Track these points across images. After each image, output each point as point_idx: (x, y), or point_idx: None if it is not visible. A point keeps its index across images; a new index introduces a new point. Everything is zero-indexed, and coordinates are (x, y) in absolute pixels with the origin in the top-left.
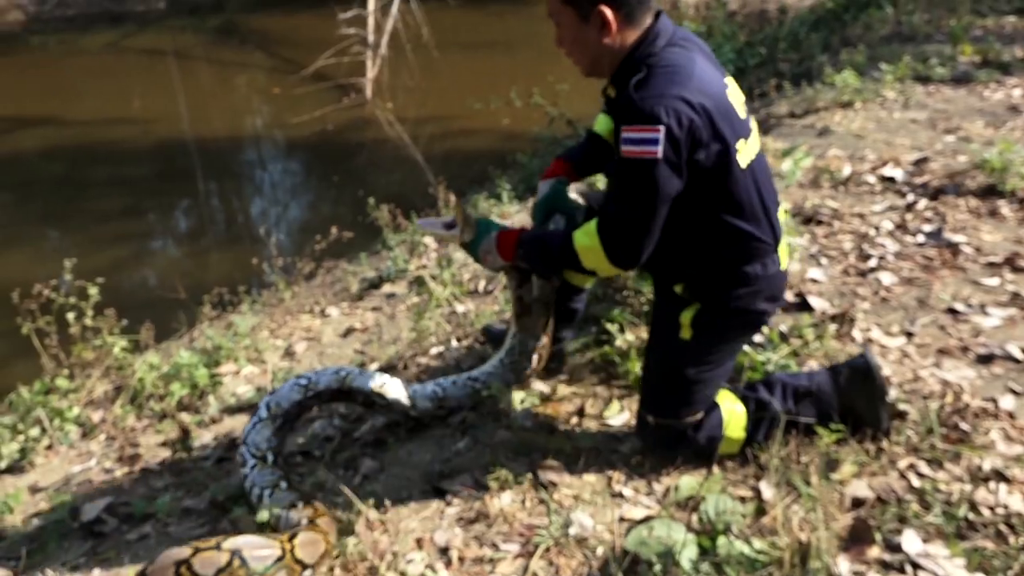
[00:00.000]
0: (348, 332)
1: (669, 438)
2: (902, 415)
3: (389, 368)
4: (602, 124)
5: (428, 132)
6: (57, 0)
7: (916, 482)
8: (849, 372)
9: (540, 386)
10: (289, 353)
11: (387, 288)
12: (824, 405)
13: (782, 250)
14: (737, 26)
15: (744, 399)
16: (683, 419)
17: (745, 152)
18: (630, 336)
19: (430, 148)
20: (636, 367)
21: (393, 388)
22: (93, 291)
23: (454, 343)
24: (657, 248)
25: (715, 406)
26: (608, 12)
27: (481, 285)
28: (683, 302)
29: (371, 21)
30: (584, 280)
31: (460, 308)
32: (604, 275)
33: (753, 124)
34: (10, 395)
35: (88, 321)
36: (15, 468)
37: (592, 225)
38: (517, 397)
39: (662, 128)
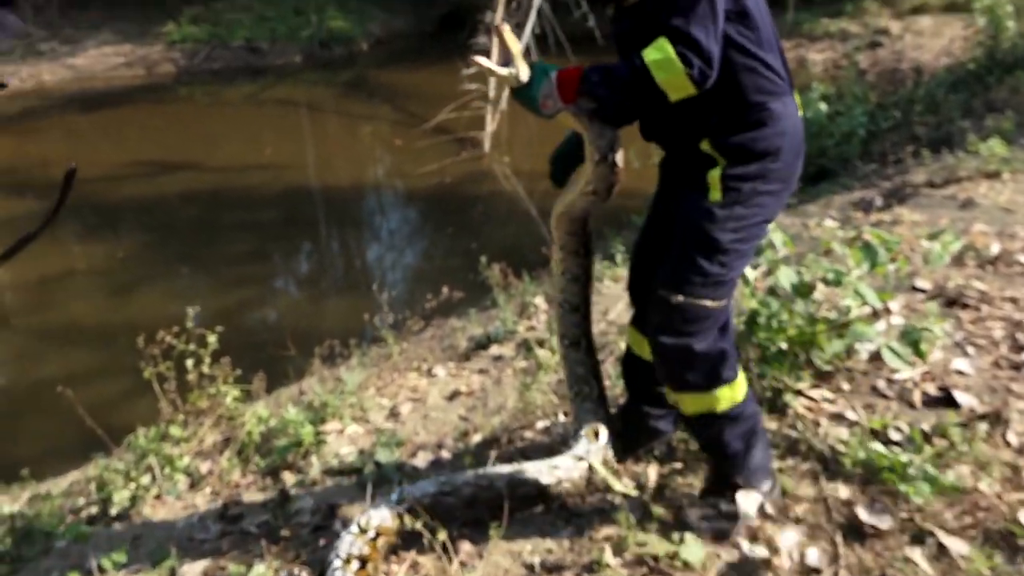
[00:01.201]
0: (454, 395)
1: (683, 350)
2: None
3: (492, 441)
4: None
5: (543, 187)
6: (205, 55)
7: None
8: None
9: (653, 471)
10: (394, 414)
11: (495, 349)
12: None
13: (796, 96)
14: (868, 87)
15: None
16: (711, 301)
17: None
18: None
19: (544, 203)
20: None
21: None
22: (212, 339)
23: (561, 417)
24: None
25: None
26: None
27: None
28: (709, 161)
29: (493, 77)
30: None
31: None
32: (676, 94)
33: None
34: (130, 436)
35: (205, 368)
36: (124, 516)
37: (659, 40)
38: (627, 484)
39: None
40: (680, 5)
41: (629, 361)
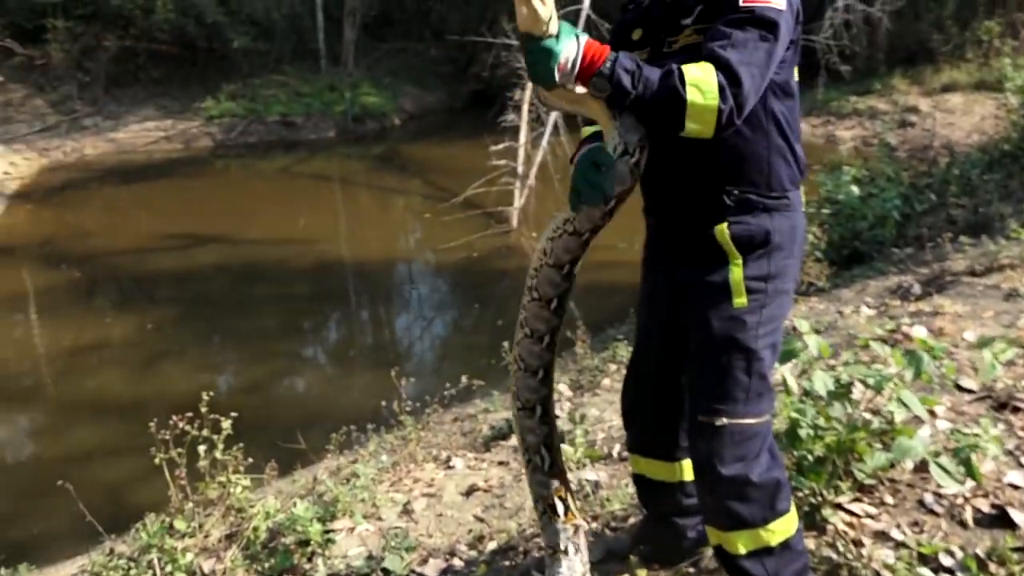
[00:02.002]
0: (471, 491)
1: (740, 481)
2: None
3: (508, 550)
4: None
5: None
6: (241, 129)
7: None
8: None
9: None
10: (407, 511)
11: (515, 440)
12: None
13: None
14: (900, 165)
15: None
16: (756, 418)
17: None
18: None
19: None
20: None
21: None
22: (226, 424)
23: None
24: (710, 160)
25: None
26: None
27: (616, 449)
28: (722, 257)
29: (522, 153)
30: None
31: (591, 475)
32: (694, 125)
33: None
34: (138, 524)
35: (218, 454)
36: None
37: (704, 63)
38: None
39: None
40: (736, 39)
41: (643, 487)
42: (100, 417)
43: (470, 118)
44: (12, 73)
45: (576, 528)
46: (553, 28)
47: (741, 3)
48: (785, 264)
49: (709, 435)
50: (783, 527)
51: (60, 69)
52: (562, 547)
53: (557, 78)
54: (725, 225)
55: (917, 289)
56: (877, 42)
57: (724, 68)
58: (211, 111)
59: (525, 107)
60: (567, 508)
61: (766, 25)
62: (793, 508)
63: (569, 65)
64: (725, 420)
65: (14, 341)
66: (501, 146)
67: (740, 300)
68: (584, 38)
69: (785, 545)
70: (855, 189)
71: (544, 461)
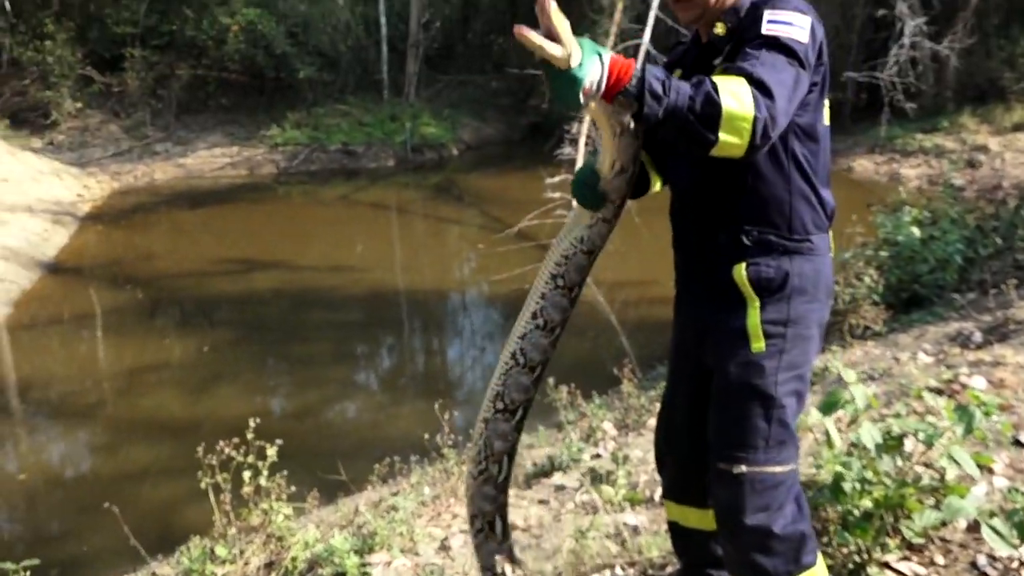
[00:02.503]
0: None
1: (762, 532)
2: None
3: None
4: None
5: (623, 296)
6: (304, 156)
7: None
8: None
9: None
10: (444, 547)
11: (557, 478)
12: None
13: (831, 237)
14: (965, 207)
15: None
16: (779, 466)
17: (826, 110)
18: None
19: (624, 312)
20: None
21: None
22: (272, 451)
23: (619, 571)
24: (730, 199)
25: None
26: None
27: (658, 493)
28: (740, 299)
29: None
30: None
31: (631, 519)
32: (728, 137)
33: None
34: (181, 547)
35: (263, 480)
36: None
37: (735, 76)
38: None
39: (809, 21)
40: (764, 59)
41: (677, 534)
42: (153, 437)
43: (527, 150)
44: (90, 100)
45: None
46: (575, 60)
47: (765, 31)
48: (807, 309)
49: (729, 483)
50: None
51: (135, 96)
52: (498, 570)
53: (583, 101)
54: (743, 266)
55: (978, 337)
56: (945, 79)
57: (756, 83)
58: (276, 139)
59: (582, 140)
60: (505, 529)
61: (790, 52)
62: (821, 561)
63: (595, 87)
64: (744, 468)
65: (78, 358)
66: (557, 179)
67: (758, 345)
68: (608, 56)
69: None
70: (915, 231)
71: (500, 473)
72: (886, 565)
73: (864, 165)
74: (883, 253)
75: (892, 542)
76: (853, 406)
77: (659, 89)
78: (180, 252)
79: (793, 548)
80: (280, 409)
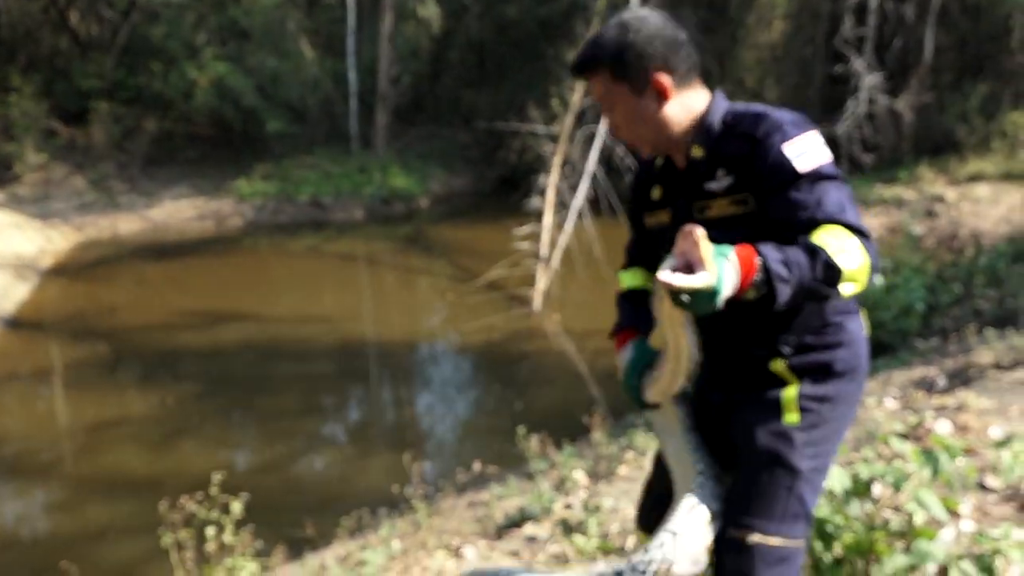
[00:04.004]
0: None
1: None
2: None
3: None
4: (628, 279)
5: (593, 346)
6: (272, 209)
7: None
8: None
9: None
10: None
11: (529, 528)
12: None
13: (864, 315)
14: (925, 255)
15: None
16: (792, 540)
17: None
18: None
19: (594, 362)
20: None
21: None
22: (236, 506)
23: None
24: (763, 323)
25: None
26: (663, 78)
27: (630, 542)
28: (779, 382)
29: (545, 236)
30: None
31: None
32: (855, 281)
33: None
34: None
35: (227, 537)
36: None
37: (830, 226)
38: None
39: (815, 132)
40: (831, 198)
41: None
42: (114, 494)
43: (496, 201)
44: (55, 152)
45: None
46: (716, 276)
47: (801, 169)
48: (845, 390)
49: (738, 552)
50: None
51: (100, 149)
52: None
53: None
54: (782, 362)
55: (942, 382)
56: (902, 132)
57: (850, 227)
58: (243, 190)
59: (550, 191)
60: None
61: (834, 176)
62: None
63: (729, 292)
64: (756, 537)
65: (36, 415)
66: (525, 228)
67: (791, 416)
68: (733, 256)
69: None
70: (878, 280)
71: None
72: None
73: None
74: None
75: None
76: None
77: (784, 273)
78: (144, 305)
79: None
80: (246, 463)
